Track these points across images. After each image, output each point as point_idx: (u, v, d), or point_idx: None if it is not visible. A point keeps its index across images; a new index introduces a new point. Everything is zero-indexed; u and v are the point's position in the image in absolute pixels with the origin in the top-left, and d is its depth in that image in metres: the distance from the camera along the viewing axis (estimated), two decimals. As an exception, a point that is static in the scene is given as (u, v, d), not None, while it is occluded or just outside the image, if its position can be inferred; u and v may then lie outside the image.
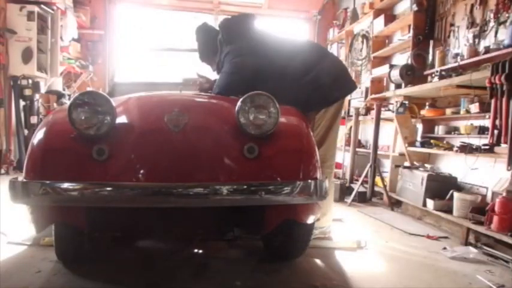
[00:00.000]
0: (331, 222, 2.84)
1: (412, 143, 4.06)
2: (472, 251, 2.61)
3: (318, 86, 2.50)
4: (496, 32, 3.34)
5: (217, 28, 2.68)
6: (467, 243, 2.85)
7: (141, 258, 2.31)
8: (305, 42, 2.92)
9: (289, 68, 2.49)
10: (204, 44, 2.77)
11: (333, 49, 7.03)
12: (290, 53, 2.57)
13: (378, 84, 5.34)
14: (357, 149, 5.07)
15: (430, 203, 3.37)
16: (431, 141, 3.81)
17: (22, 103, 5.38)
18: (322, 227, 2.74)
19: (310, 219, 2.00)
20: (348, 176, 4.90)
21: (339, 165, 5.37)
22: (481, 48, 3.41)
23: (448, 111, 3.75)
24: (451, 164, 3.70)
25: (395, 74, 4.29)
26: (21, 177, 1.72)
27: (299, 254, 2.29)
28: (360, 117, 5.14)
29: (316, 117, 2.61)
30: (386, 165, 4.66)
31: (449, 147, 3.52)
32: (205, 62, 2.86)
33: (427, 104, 4.09)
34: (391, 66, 4.64)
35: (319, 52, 2.72)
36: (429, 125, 4.15)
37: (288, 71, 2.48)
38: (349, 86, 2.70)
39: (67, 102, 2.39)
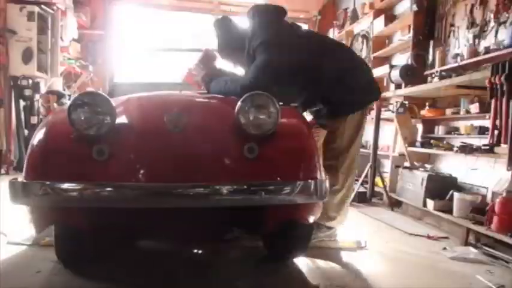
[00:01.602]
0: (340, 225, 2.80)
1: (412, 143, 4.06)
2: (472, 251, 2.61)
3: (351, 90, 2.46)
4: (496, 32, 3.34)
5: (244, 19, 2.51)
6: (467, 243, 2.84)
7: (141, 258, 2.31)
8: (338, 44, 2.86)
9: (324, 70, 2.41)
10: (227, 38, 2.53)
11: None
12: (325, 53, 2.49)
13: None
14: (357, 149, 5.06)
15: (430, 203, 3.37)
16: (431, 141, 3.81)
17: (22, 103, 5.38)
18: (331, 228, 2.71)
19: (310, 219, 2.00)
20: (348, 176, 4.89)
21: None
22: (481, 49, 3.41)
23: (448, 111, 3.75)
24: (451, 164, 3.70)
25: (396, 74, 4.29)
26: (21, 178, 1.72)
27: (299, 254, 2.29)
28: (360, 118, 5.13)
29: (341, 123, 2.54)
30: (387, 166, 4.65)
31: (450, 148, 3.51)
32: (226, 58, 2.63)
33: (427, 104, 4.09)
34: (391, 67, 4.64)
35: (350, 55, 2.72)
36: (429, 125, 4.15)
37: (323, 72, 2.41)
38: (376, 93, 2.69)
39: (67, 102, 2.39)
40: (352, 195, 2.87)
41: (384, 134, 4.65)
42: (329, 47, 2.60)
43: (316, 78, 2.39)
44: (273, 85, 2.13)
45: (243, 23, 2.55)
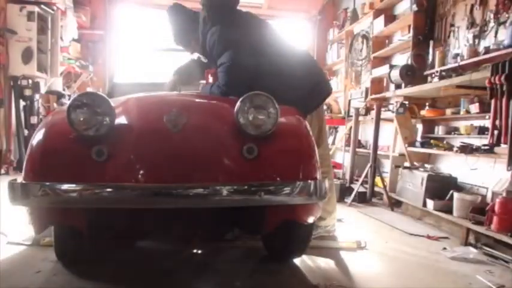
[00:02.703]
0: (335, 221, 2.86)
1: (412, 143, 4.06)
2: (472, 251, 2.61)
3: (310, 91, 2.51)
4: (496, 32, 3.34)
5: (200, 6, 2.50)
6: (467, 243, 2.84)
7: (141, 258, 2.31)
8: (298, 48, 2.82)
9: (287, 72, 2.43)
10: (179, 25, 2.59)
11: (333, 49, 7.03)
12: (288, 56, 2.53)
13: (378, 85, 5.34)
14: (357, 149, 5.07)
15: (430, 203, 3.37)
16: (431, 141, 3.81)
17: (22, 103, 5.38)
18: (327, 226, 2.76)
19: (310, 219, 2.00)
20: (347, 176, 4.90)
21: (339, 166, 5.37)
22: (481, 49, 3.40)
23: (448, 111, 3.75)
24: (451, 164, 3.70)
25: (395, 74, 4.29)
26: (20, 178, 1.72)
27: (299, 254, 2.29)
28: (360, 118, 5.14)
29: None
30: (386, 166, 4.65)
31: (449, 148, 3.51)
32: (181, 45, 2.71)
33: (427, 104, 4.09)
34: (391, 67, 4.63)
35: (309, 57, 2.76)
36: (429, 125, 4.15)
37: (286, 74, 2.42)
38: (328, 89, 2.72)
39: (67, 102, 2.40)
40: (334, 192, 2.92)
41: (383, 134, 4.65)
42: (293, 53, 2.60)
43: (280, 82, 2.35)
44: (247, 85, 2.15)
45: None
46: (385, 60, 5.38)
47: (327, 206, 2.63)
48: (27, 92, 5.31)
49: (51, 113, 2.07)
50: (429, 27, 4.25)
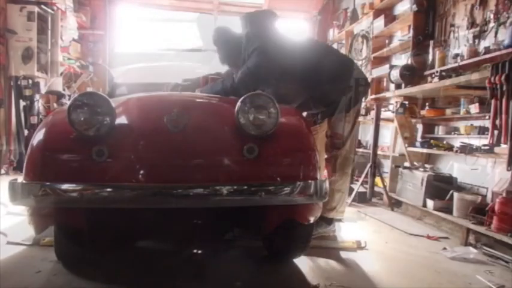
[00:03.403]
0: (342, 215, 2.92)
1: (412, 144, 4.06)
2: (472, 252, 2.61)
3: (342, 90, 2.61)
4: (496, 33, 3.34)
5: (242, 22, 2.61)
6: (467, 243, 2.84)
7: (141, 258, 2.31)
8: (323, 46, 2.99)
9: (315, 75, 2.54)
10: (227, 46, 2.69)
11: (333, 49, 7.03)
12: (312, 58, 2.61)
13: (377, 85, 5.34)
14: (357, 149, 5.07)
15: (430, 203, 3.37)
16: (431, 141, 3.81)
17: (22, 103, 5.38)
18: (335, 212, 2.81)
19: (310, 219, 2.00)
20: (348, 176, 4.89)
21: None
22: (481, 49, 3.40)
23: (448, 111, 3.75)
24: (451, 164, 3.70)
25: (395, 74, 4.29)
26: (20, 178, 1.72)
27: (299, 254, 2.29)
28: (360, 118, 5.12)
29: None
30: (386, 166, 4.65)
31: (449, 148, 3.51)
32: (227, 65, 2.81)
33: (427, 104, 4.09)
34: (391, 67, 4.64)
35: (338, 58, 2.87)
36: (429, 125, 4.15)
37: (312, 75, 2.53)
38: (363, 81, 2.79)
39: (67, 102, 2.40)
40: (348, 185, 2.97)
41: (383, 134, 4.65)
42: (318, 52, 2.72)
43: (309, 83, 2.52)
44: (258, 89, 2.25)
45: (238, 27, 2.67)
46: (385, 60, 5.38)
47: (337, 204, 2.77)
48: (27, 92, 5.31)
49: (52, 113, 2.07)
50: (429, 27, 4.25)
